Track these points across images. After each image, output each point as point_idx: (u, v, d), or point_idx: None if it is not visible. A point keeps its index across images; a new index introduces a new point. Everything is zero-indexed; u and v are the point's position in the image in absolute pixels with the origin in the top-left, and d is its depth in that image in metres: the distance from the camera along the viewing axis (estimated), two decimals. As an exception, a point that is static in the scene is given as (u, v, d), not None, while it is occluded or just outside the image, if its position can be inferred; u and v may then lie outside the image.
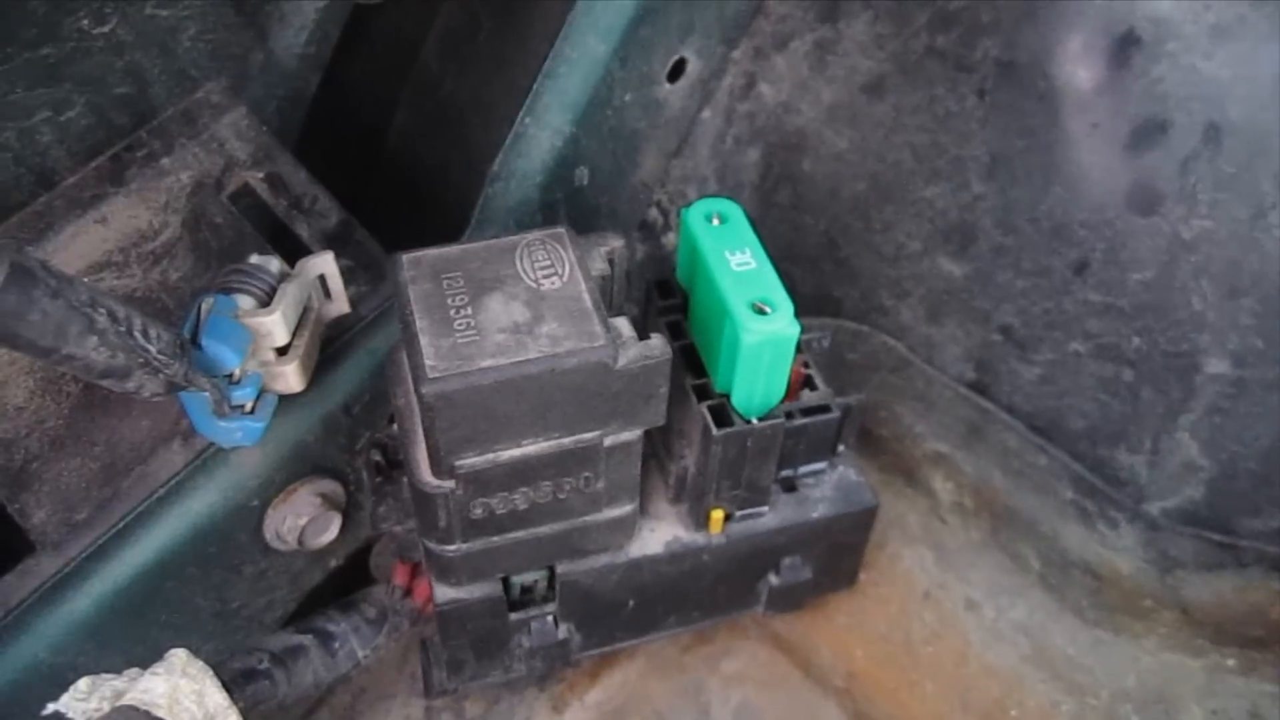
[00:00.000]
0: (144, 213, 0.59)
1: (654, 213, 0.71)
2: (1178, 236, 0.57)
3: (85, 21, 0.58)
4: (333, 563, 0.62)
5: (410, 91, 0.77)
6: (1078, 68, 0.58)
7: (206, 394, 0.47)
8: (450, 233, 0.62)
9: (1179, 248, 0.57)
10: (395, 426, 0.53)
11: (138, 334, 0.41)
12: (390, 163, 0.78)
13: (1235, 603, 0.61)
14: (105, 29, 0.60)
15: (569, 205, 0.64)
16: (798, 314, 0.51)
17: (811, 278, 0.69)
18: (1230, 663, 0.63)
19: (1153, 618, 0.63)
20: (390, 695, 0.66)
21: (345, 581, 0.64)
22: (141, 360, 0.41)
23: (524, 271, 0.48)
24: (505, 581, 0.55)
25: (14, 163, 0.57)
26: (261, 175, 0.62)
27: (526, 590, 0.56)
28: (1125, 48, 0.57)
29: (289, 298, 0.51)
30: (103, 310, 0.40)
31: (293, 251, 0.57)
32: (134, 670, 0.45)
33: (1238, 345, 0.57)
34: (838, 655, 0.65)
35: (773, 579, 0.60)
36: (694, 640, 0.66)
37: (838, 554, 0.61)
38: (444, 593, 0.54)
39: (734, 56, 0.68)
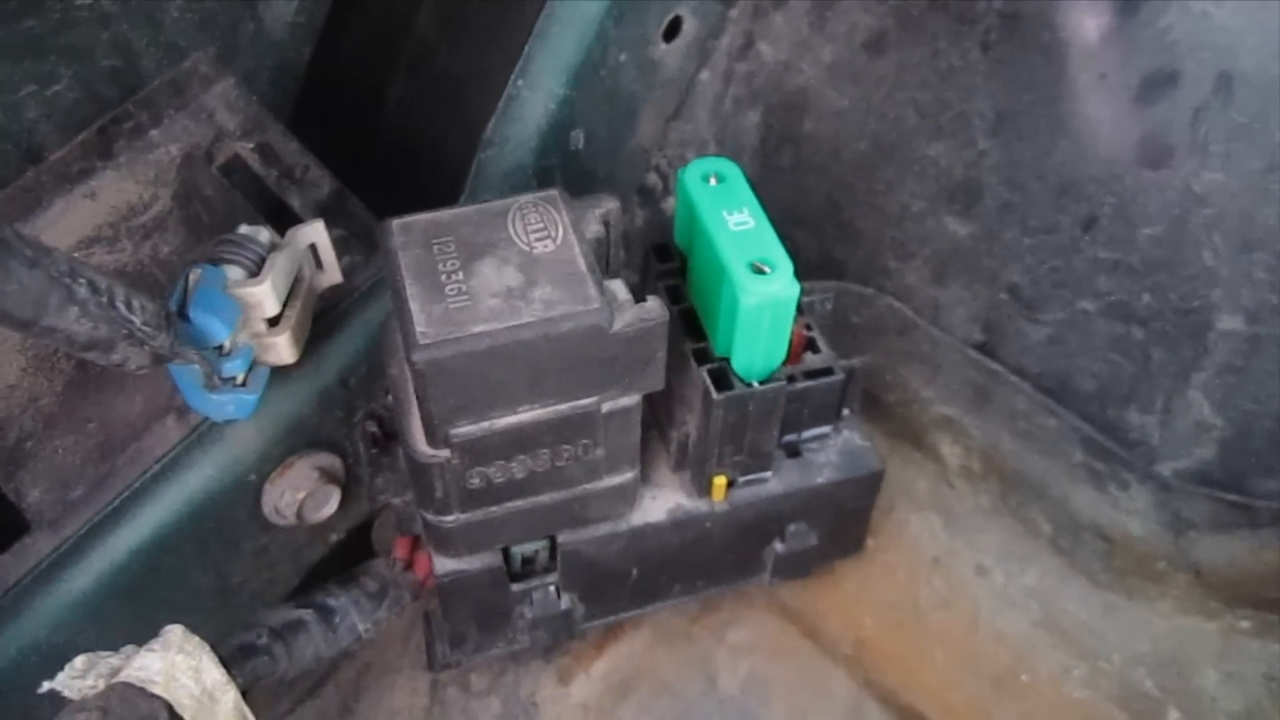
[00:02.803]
0: (133, 186, 0.58)
1: (653, 177, 0.70)
2: (1189, 190, 0.55)
3: (70, -7, 0.58)
4: (333, 537, 0.61)
5: (405, 58, 0.76)
6: (1084, 18, 0.56)
7: (197, 367, 0.46)
8: (447, 201, 0.61)
9: (1190, 201, 0.56)
10: (391, 397, 0.52)
11: (120, 305, 0.40)
12: (387, 131, 0.77)
13: (1249, 564, 0.60)
14: (90, 0, 0.59)
15: (565, 170, 0.63)
16: (800, 275, 0.50)
17: (815, 240, 0.68)
18: (1245, 625, 0.62)
19: (1166, 580, 0.62)
20: (395, 670, 0.66)
21: (350, 556, 0.63)
22: (125, 332, 0.41)
23: (516, 235, 0.47)
24: (506, 552, 0.54)
25: (0, 138, 0.57)
26: (252, 146, 0.61)
27: (528, 561, 0.55)
28: (1133, -5, 0.55)
29: (278, 268, 0.50)
30: (83, 281, 0.39)
31: (287, 223, 0.56)
32: (130, 648, 0.44)
33: (1251, 301, 0.56)
34: (846, 623, 0.65)
35: (778, 546, 0.59)
36: (701, 610, 0.65)
37: (844, 520, 0.60)
38: (444, 565, 0.53)
39: (731, 15, 0.67)
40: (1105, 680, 0.61)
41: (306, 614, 0.55)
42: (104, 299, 0.40)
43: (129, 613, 0.53)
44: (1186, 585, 0.62)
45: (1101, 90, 0.57)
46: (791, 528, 0.59)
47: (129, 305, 0.41)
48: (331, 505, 0.57)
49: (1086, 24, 0.56)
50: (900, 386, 0.68)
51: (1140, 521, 0.62)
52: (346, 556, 0.63)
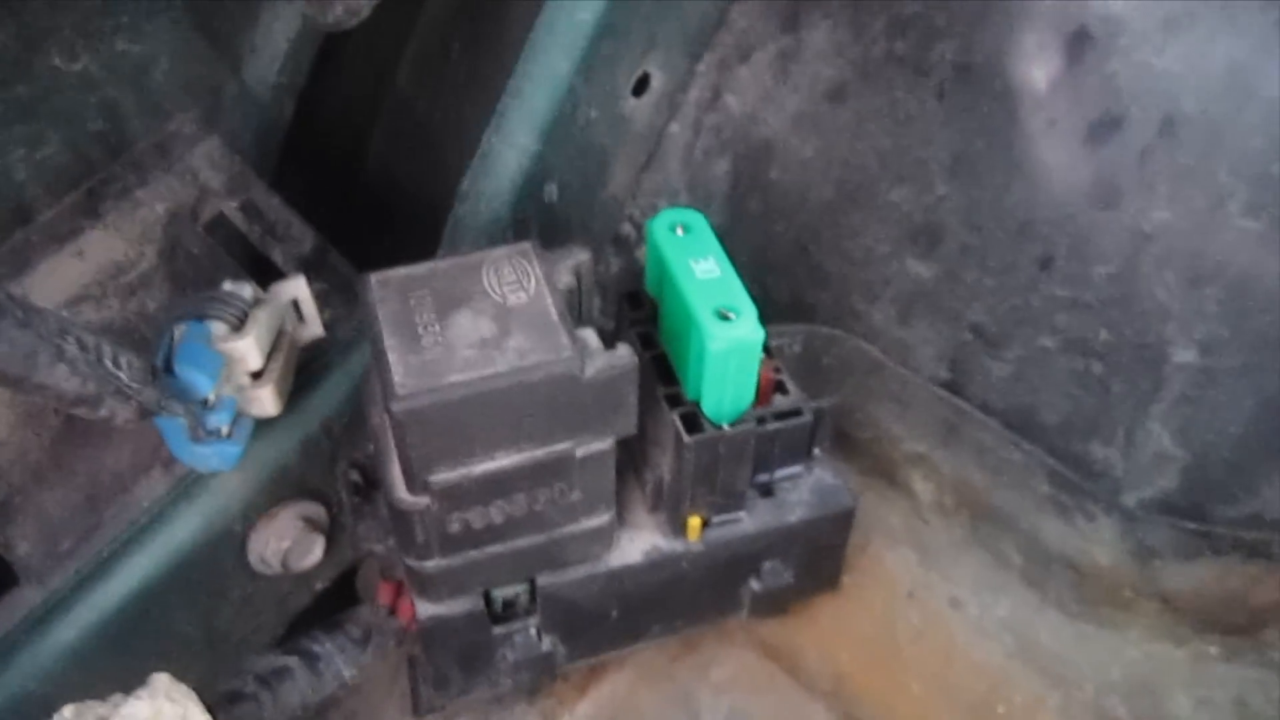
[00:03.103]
0: (120, 244, 0.60)
1: (626, 226, 0.72)
2: (1139, 229, 0.58)
3: (57, 59, 0.60)
4: (318, 585, 0.62)
5: (385, 115, 0.78)
6: (1032, 66, 0.58)
7: (183, 420, 0.48)
8: (426, 253, 0.62)
9: (1141, 240, 0.58)
10: (372, 446, 0.53)
11: (108, 361, 0.42)
12: (368, 186, 0.79)
13: (1215, 590, 0.62)
14: (78, 66, 0.61)
15: (540, 222, 0.65)
16: (771, 320, 0.51)
17: (785, 284, 0.70)
18: (1213, 650, 0.63)
19: (1135, 608, 0.64)
20: (381, 714, 0.66)
21: (335, 603, 0.64)
22: (112, 387, 0.42)
23: (491, 287, 0.48)
24: (486, 595, 0.55)
25: (-10, 199, 0.58)
26: (236, 204, 0.63)
27: (508, 603, 0.56)
28: (1078, 45, 0.57)
29: (261, 322, 0.51)
30: (71, 339, 0.41)
31: (270, 278, 0.58)
32: (118, 696, 0.45)
33: (1204, 334, 0.58)
34: (824, 658, 0.66)
35: (754, 584, 0.60)
36: (681, 648, 0.66)
37: (818, 557, 0.62)
38: (426, 609, 0.54)
39: (698, 69, 0.69)
40: (1079, 709, 0.62)
41: (292, 660, 0.56)
42: (92, 356, 0.41)
43: (117, 662, 0.54)
44: (1155, 612, 0.63)
45: (1052, 135, 0.59)
46: (767, 565, 0.60)
47: (116, 361, 0.43)
48: (316, 553, 0.58)
49: (1035, 72, 0.59)
50: (871, 424, 0.70)
51: (1107, 551, 0.63)
52: (330, 603, 0.64)
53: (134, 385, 0.43)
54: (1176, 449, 0.60)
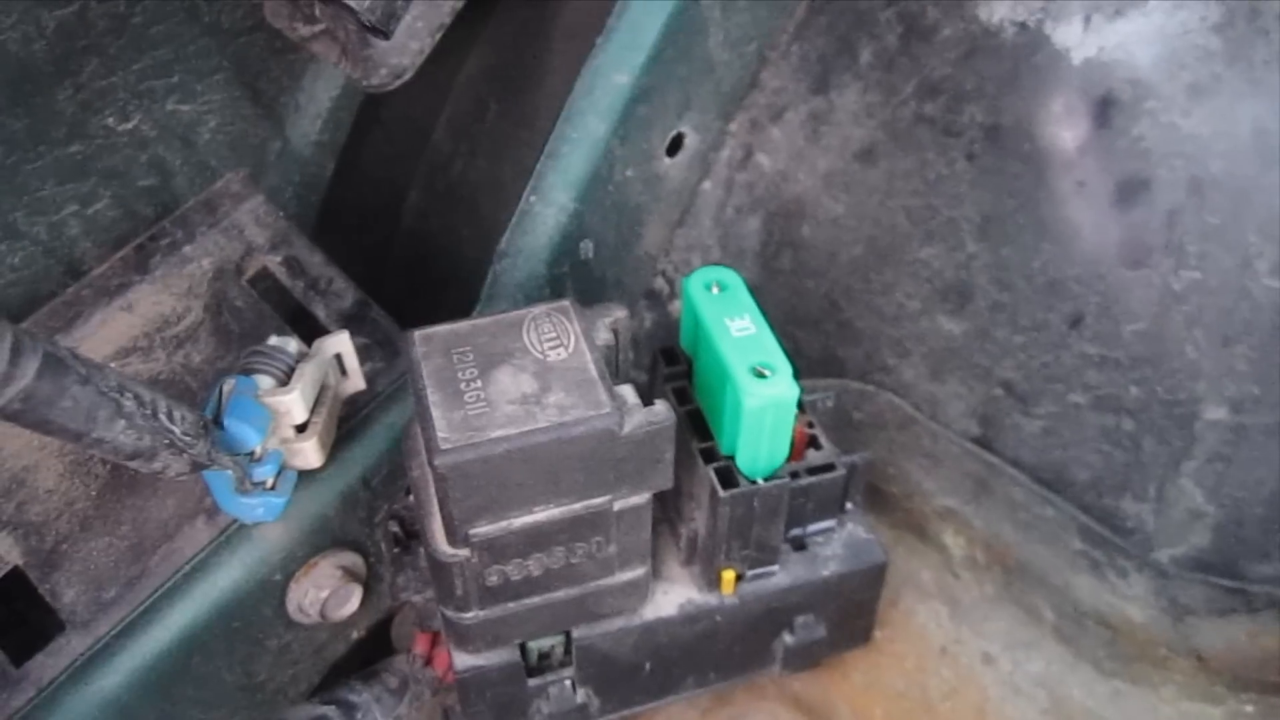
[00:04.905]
0: (168, 299, 0.62)
1: (660, 281, 0.73)
2: (1168, 288, 0.58)
3: (111, 119, 0.62)
4: (355, 634, 0.63)
5: (422, 173, 0.80)
6: (1061, 129, 0.60)
7: (229, 472, 0.49)
8: (463, 308, 0.64)
9: (1170, 298, 0.58)
10: (412, 498, 0.54)
11: (163, 416, 0.43)
12: (404, 242, 0.80)
13: (1249, 648, 0.62)
14: (130, 125, 0.63)
15: (576, 278, 0.66)
16: (803, 375, 0.52)
17: (816, 339, 0.71)
18: (1249, 709, 0.62)
19: (1169, 666, 0.63)
20: (414, 766, 0.66)
21: (369, 653, 0.65)
22: (167, 441, 0.43)
23: (531, 344, 0.50)
24: (523, 647, 0.56)
25: (44, 255, 0.60)
26: (279, 259, 0.64)
27: (544, 655, 0.57)
28: (1105, 109, 0.59)
29: (307, 377, 0.52)
30: (130, 395, 0.42)
31: (311, 332, 0.59)
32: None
33: (1234, 392, 0.58)
34: (857, 714, 0.65)
35: (787, 638, 0.61)
36: (713, 703, 0.66)
37: (851, 611, 0.62)
38: (463, 660, 0.54)
39: (731, 129, 0.71)
40: (1114, 767, 0.62)
41: (330, 710, 0.56)
42: (148, 411, 0.43)
43: (158, 710, 0.54)
44: (1189, 670, 0.63)
45: (1080, 195, 0.60)
46: (800, 619, 0.60)
47: (170, 416, 0.44)
48: (353, 603, 0.59)
49: (1063, 134, 0.60)
50: (902, 479, 0.70)
51: (1140, 608, 0.63)
52: (367, 653, 0.64)
53: (187, 439, 0.44)
54: (1209, 506, 0.60)
